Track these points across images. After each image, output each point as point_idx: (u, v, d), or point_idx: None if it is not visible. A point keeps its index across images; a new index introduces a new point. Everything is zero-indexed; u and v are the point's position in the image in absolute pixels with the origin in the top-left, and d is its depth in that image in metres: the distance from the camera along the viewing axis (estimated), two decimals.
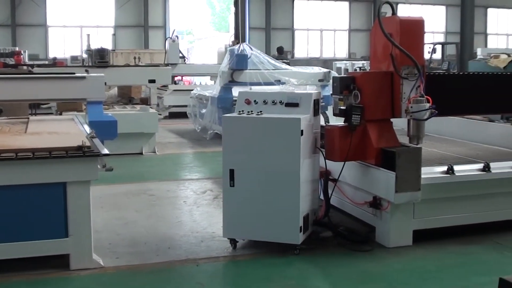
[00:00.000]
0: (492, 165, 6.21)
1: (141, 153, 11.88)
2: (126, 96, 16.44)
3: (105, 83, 8.47)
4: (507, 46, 37.67)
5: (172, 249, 5.93)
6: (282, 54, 17.47)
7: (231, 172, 5.69)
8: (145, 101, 14.60)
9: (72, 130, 6.46)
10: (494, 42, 41.81)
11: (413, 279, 5.24)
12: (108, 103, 13.54)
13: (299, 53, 38.00)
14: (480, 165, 6.23)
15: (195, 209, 7.53)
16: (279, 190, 5.61)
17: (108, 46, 17.93)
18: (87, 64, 14.45)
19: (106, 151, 5.20)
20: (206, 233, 6.45)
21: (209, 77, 22.53)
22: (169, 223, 6.93)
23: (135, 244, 6.09)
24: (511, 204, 6.43)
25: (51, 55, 30.64)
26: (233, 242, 5.90)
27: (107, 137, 6.66)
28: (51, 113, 13.68)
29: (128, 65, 15.46)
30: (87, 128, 6.47)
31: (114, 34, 30.21)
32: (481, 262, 5.65)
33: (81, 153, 5.10)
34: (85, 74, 7.75)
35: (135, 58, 16.67)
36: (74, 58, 21.15)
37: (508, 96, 6.71)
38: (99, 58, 13.87)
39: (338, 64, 27.92)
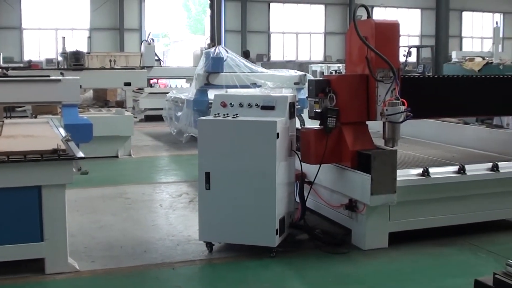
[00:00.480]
0: (467, 167, 6.26)
1: (117, 156, 11.82)
2: (101, 99, 16.31)
3: (80, 86, 8.40)
4: (482, 49, 37.92)
5: (148, 252, 5.90)
6: (249, 58, 17.50)
7: (207, 175, 5.68)
8: (121, 104, 14.48)
9: (47, 133, 6.41)
10: (469, 45, 42.16)
11: (389, 281, 5.26)
12: (84, 106, 13.42)
13: (275, 56, 38.04)
14: (455, 168, 6.28)
15: (171, 213, 7.51)
16: (255, 193, 5.61)
17: (84, 49, 17.71)
18: (62, 67, 14.37)
19: (81, 154, 5.17)
20: (182, 236, 6.43)
21: (184, 80, 22.47)
22: (145, 226, 6.90)
23: (110, 247, 6.06)
24: (486, 206, 6.49)
25: (26, 57, 30.38)
26: (209, 245, 5.88)
27: (82, 140, 6.61)
28: (26, 116, 13.53)
29: (104, 68, 15.40)
30: (62, 131, 6.42)
31: (89, 37, 29.97)
32: (457, 263, 5.69)
33: (56, 156, 5.06)
34: (60, 77, 7.69)
35: (110, 61, 16.57)
36: (49, 61, 21.00)
37: (483, 99, 6.77)
38: (74, 61, 13.77)
39: (314, 67, 28.02)
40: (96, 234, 6.52)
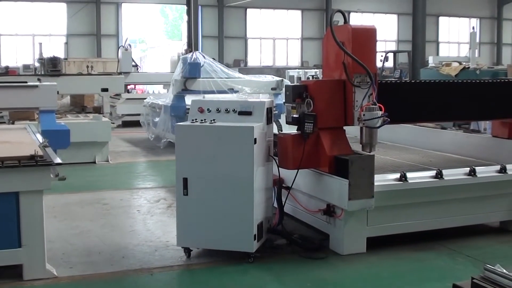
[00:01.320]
0: (444, 172, 6.30)
1: (94, 162, 11.76)
2: (78, 105, 16.22)
3: (58, 92, 8.39)
4: (459, 54, 38.29)
5: (126, 258, 5.88)
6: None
7: (185, 180, 5.67)
8: (98, 110, 14.44)
9: (24, 139, 6.36)
10: (446, 50, 42.52)
11: (367, 286, 5.29)
12: (61, 112, 13.35)
13: (252, 61, 38.08)
14: (433, 172, 6.32)
15: (149, 218, 7.48)
16: (232, 198, 5.61)
17: (61, 54, 17.63)
18: (39, 73, 14.27)
19: (58, 160, 5.14)
20: (160, 242, 6.40)
21: (162, 86, 22.43)
22: (123, 232, 6.87)
23: (89, 253, 6.02)
24: (463, 210, 6.53)
25: (3, 63, 30.06)
26: (187, 251, 5.87)
27: (59, 146, 6.59)
28: (3, 122, 13.43)
29: (81, 74, 15.35)
30: (40, 137, 6.37)
31: (66, 43, 29.81)
32: (435, 268, 5.72)
33: (34, 162, 5.03)
34: (37, 83, 7.68)
35: (87, 66, 16.51)
36: (26, 67, 20.80)
37: (460, 104, 6.82)
38: (52, 67, 13.72)
39: (291, 72, 28.06)
40: (74, 240, 6.47)
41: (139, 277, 5.43)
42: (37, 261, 5.21)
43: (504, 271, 3.55)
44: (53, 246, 6.06)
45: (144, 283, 5.34)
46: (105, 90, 13.62)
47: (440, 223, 6.46)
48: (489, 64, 33.78)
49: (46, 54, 15.00)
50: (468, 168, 6.46)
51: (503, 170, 6.56)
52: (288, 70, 29.48)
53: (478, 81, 7.25)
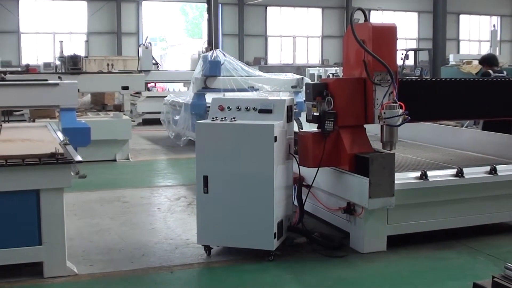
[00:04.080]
0: (465, 170, 6.26)
1: (115, 160, 11.82)
2: (99, 103, 16.37)
3: (78, 90, 8.42)
4: (479, 52, 38.03)
5: (146, 256, 5.90)
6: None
7: (205, 178, 5.68)
8: (119, 108, 14.55)
9: (45, 137, 6.40)
10: (466, 48, 42.29)
11: (387, 284, 5.26)
12: (81, 110, 13.46)
13: (272, 59, 38.10)
14: (453, 171, 6.28)
15: (169, 216, 7.50)
16: (253, 196, 5.61)
17: (81, 52, 17.76)
18: (60, 71, 14.37)
19: (79, 158, 5.17)
20: (180, 240, 6.43)
21: (182, 84, 22.49)
22: (143, 230, 6.90)
23: (109, 251, 6.05)
24: (484, 209, 6.49)
25: (24, 61, 30.38)
26: (207, 249, 5.88)
27: (80, 144, 6.62)
28: (24, 120, 13.55)
29: (101, 72, 15.41)
30: (60, 135, 6.42)
31: (87, 41, 29.96)
32: (455, 267, 5.69)
33: (54, 160, 5.06)
34: (58, 81, 7.70)
35: (108, 64, 16.58)
36: (47, 65, 20.97)
37: (481, 102, 6.77)
38: (72, 65, 13.81)
39: (311, 70, 28.02)
40: (94, 238, 6.51)
41: (159, 275, 5.45)
42: (58, 259, 5.24)
43: None
44: (74, 244, 6.10)
45: (164, 281, 5.35)
46: (125, 88, 13.66)
47: (460, 222, 6.42)
48: (510, 62, 33.51)
49: (67, 52, 15.12)
50: (489, 167, 6.41)
51: None
52: (309, 68, 29.44)
53: (498, 79, 7.18)
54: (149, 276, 5.43)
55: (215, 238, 5.83)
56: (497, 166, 6.42)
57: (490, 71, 10.51)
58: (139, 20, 35.43)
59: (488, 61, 11.05)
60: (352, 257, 5.87)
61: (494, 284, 3.55)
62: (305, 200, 6.34)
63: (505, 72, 11.81)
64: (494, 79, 7.32)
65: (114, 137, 11.78)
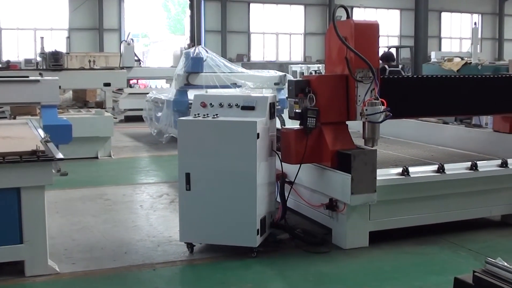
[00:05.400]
0: (446, 166, 6.31)
1: (97, 157, 11.76)
2: (81, 100, 16.22)
3: (60, 87, 8.37)
4: (461, 50, 38.23)
5: (129, 254, 5.88)
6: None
7: (187, 175, 5.67)
8: (100, 105, 14.42)
9: (26, 135, 6.35)
10: (448, 46, 42.48)
11: (370, 280, 5.29)
12: (63, 107, 13.35)
13: (255, 56, 38.05)
14: (435, 167, 6.32)
15: (151, 213, 7.49)
16: (235, 193, 5.61)
17: (63, 49, 17.59)
18: (41, 68, 14.24)
19: (60, 155, 5.13)
20: (163, 237, 6.41)
21: (164, 80, 22.40)
22: (125, 227, 6.87)
23: (91, 249, 6.03)
24: (465, 204, 6.55)
25: (4, 58, 30.07)
26: (190, 246, 5.88)
27: (61, 141, 6.58)
28: (5, 117, 13.43)
29: (83, 68, 15.33)
30: (42, 133, 6.38)
31: (68, 37, 29.74)
32: (437, 262, 5.73)
33: (35, 157, 5.02)
34: (39, 78, 7.66)
35: (90, 61, 16.49)
36: (28, 61, 20.78)
37: (462, 98, 6.81)
38: (53, 61, 13.69)
39: (294, 67, 28.04)
40: (76, 236, 6.48)
41: (141, 273, 5.43)
42: (39, 257, 5.21)
43: (506, 264, 3.55)
44: (55, 242, 6.07)
45: (147, 278, 5.34)
46: (107, 84, 13.60)
47: (442, 217, 6.48)
48: (491, 59, 33.75)
49: (48, 49, 14.97)
50: (470, 163, 6.46)
51: (504, 164, 6.57)
52: (291, 65, 29.46)
53: (479, 76, 7.24)
54: (131, 274, 5.41)
55: (198, 235, 5.83)
56: (478, 162, 6.47)
57: (386, 66, 12.07)
58: (121, 16, 35.21)
59: (385, 58, 12.66)
60: (335, 253, 5.89)
61: (475, 278, 3.57)
62: (288, 197, 6.35)
63: (400, 67, 14.43)
64: (475, 76, 7.35)
65: (96, 134, 11.70)
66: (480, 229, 6.70)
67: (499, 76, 7.39)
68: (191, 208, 5.73)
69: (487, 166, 6.56)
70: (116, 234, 6.57)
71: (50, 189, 5.40)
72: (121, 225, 6.98)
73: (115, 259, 5.73)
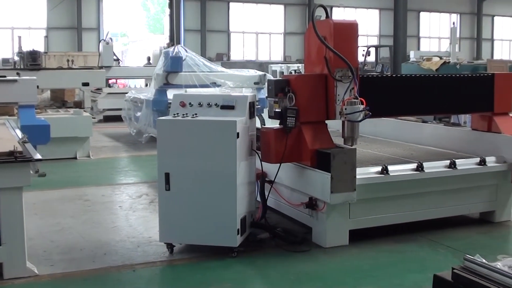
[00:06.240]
0: (425, 164, 6.35)
1: (75, 158, 11.69)
2: (59, 100, 16.11)
3: (38, 87, 8.31)
4: (439, 49, 38.50)
5: (108, 255, 5.85)
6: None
7: (167, 175, 5.64)
8: (79, 105, 14.33)
9: (3, 135, 6.29)
10: (427, 45, 42.81)
11: (349, 278, 5.31)
12: (41, 107, 13.24)
13: (235, 55, 38.04)
14: (414, 165, 6.36)
15: (131, 214, 7.45)
16: (215, 193, 5.60)
17: (40, 48, 17.43)
18: (18, 67, 14.11)
19: (38, 156, 5.08)
20: (143, 238, 6.39)
21: (143, 80, 22.33)
22: (104, 228, 6.83)
23: (70, 251, 5.99)
24: (444, 202, 6.62)
25: None
26: (170, 246, 5.85)
27: (39, 141, 6.52)
28: None
29: (61, 68, 15.21)
30: (19, 133, 6.32)
31: (46, 36, 29.52)
32: (416, 259, 5.77)
33: (13, 158, 4.97)
34: (16, 77, 7.60)
35: (68, 60, 16.36)
36: (5, 61, 20.60)
37: (441, 97, 6.86)
38: (31, 61, 13.59)
39: (274, 67, 28.10)
40: (55, 237, 6.43)
41: (121, 274, 5.41)
42: (18, 259, 5.16)
43: (484, 261, 3.57)
44: (34, 244, 6.02)
45: (127, 279, 5.31)
46: (86, 84, 13.52)
47: (421, 215, 6.53)
48: (469, 58, 34.06)
49: (26, 48, 14.86)
50: (449, 161, 6.52)
51: (482, 162, 6.64)
52: (271, 65, 29.51)
53: (458, 75, 7.29)
54: (111, 275, 5.38)
55: (178, 236, 5.81)
56: (457, 161, 6.53)
57: None
58: (99, 15, 35.01)
59: None
60: (315, 251, 5.91)
61: (454, 275, 3.59)
62: (268, 196, 6.36)
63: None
64: (454, 75, 7.39)
65: (74, 135, 11.63)
66: (459, 227, 6.75)
67: (477, 75, 7.44)
68: (171, 208, 5.71)
69: (465, 164, 6.61)
70: (95, 235, 6.53)
71: (28, 190, 5.35)
72: (101, 226, 6.94)
73: (94, 260, 5.69)
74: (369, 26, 40.22)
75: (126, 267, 5.52)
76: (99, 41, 20.85)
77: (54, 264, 5.58)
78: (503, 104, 7.08)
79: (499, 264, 3.57)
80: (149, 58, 24.51)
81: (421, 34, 43.10)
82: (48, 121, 7.45)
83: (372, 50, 27.22)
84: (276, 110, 6.04)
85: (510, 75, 7.44)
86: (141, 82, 24.52)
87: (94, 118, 13.51)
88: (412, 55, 26.64)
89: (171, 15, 25.01)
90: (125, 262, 5.64)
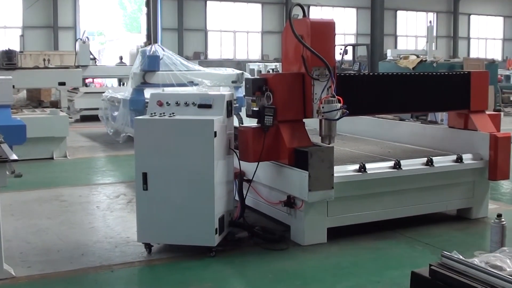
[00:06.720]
0: (402, 162, 6.39)
1: (52, 158, 11.60)
2: (35, 99, 15.99)
3: (13, 86, 8.23)
4: (416, 48, 38.83)
5: (86, 256, 5.81)
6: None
7: (144, 175, 5.62)
8: (55, 104, 14.23)
9: None
10: (404, 44, 43.11)
11: (328, 275, 5.32)
12: (17, 107, 13.12)
13: (212, 54, 38.00)
14: (391, 163, 6.39)
15: (108, 214, 7.41)
16: (193, 192, 5.58)
17: (16, 47, 17.34)
18: None
19: (14, 156, 5.03)
20: (120, 238, 6.35)
21: (116, 79, 22.25)
22: (82, 229, 6.79)
23: (47, 252, 5.94)
24: (421, 199, 6.66)
25: None
26: (148, 246, 5.83)
27: (15, 142, 6.47)
28: None
29: (37, 67, 15.07)
30: None
31: (22, 35, 29.34)
32: (394, 256, 5.81)
33: None
34: None
35: (44, 60, 16.24)
36: None
37: (418, 95, 6.90)
38: (7, 60, 13.44)
39: (251, 65, 28.09)
40: (32, 239, 6.37)
41: (99, 274, 5.37)
42: None
43: (461, 257, 3.62)
44: (11, 245, 5.96)
45: (105, 280, 5.28)
46: (62, 84, 13.42)
47: (399, 212, 6.56)
48: (446, 57, 34.33)
49: (1, 47, 14.72)
50: (426, 158, 6.57)
51: (459, 159, 6.69)
52: (249, 63, 29.50)
53: (434, 73, 7.33)
54: (89, 276, 5.34)
55: (156, 236, 5.78)
56: (434, 158, 6.58)
57: None
58: (76, 14, 34.78)
59: None
60: (293, 249, 5.92)
61: (431, 271, 3.63)
62: (246, 195, 6.36)
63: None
64: (430, 73, 7.44)
65: (51, 135, 11.54)
66: (437, 224, 6.80)
67: (454, 73, 7.49)
68: (149, 208, 5.69)
69: (442, 161, 6.66)
70: (72, 236, 6.48)
71: (4, 191, 5.31)
72: (78, 226, 6.89)
73: (72, 262, 5.65)
74: (347, 25, 40.37)
75: (104, 268, 5.49)
76: (76, 40, 20.68)
77: (31, 266, 5.52)
78: (479, 101, 7.14)
79: (476, 260, 3.62)
80: (121, 58, 24.45)
81: (398, 33, 43.37)
82: (24, 121, 7.41)
83: (350, 48, 27.39)
84: (254, 108, 6.04)
85: (486, 73, 7.49)
86: (114, 82, 24.39)
87: (70, 118, 13.47)
88: (389, 53, 26.84)
89: (148, 14, 24.96)
90: (103, 263, 5.60)
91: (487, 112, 7.26)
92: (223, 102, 5.86)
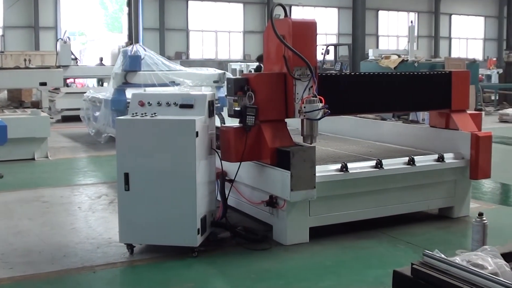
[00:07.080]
0: (384, 161, 6.41)
1: (33, 159, 11.51)
2: (16, 100, 15.93)
3: None
4: (397, 47, 38.98)
5: (68, 257, 5.78)
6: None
7: (126, 176, 5.60)
8: (36, 105, 14.19)
9: None
10: (385, 44, 43.29)
11: (311, 275, 5.33)
12: None
13: (194, 54, 37.92)
14: (373, 162, 6.42)
15: (90, 215, 7.37)
16: (175, 192, 5.57)
17: None
18: None
19: None
20: (102, 239, 6.33)
21: (95, 80, 22.17)
22: (63, 230, 6.75)
23: (29, 253, 5.90)
24: (403, 199, 6.69)
25: None
26: (130, 247, 5.81)
27: None
28: None
29: (18, 68, 14.98)
30: None
31: (2, 35, 29.12)
32: (376, 255, 5.82)
33: None
34: None
35: (25, 60, 16.16)
36: None
37: (399, 95, 6.93)
38: None
39: (233, 65, 28.08)
40: (13, 240, 6.33)
41: (81, 276, 5.35)
42: None
43: (443, 256, 3.63)
44: None
45: (87, 281, 5.26)
46: (43, 84, 13.33)
47: (381, 212, 6.59)
48: (427, 56, 34.50)
49: None
50: (407, 158, 6.60)
51: (440, 159, 6.73)
52: (231, 63, 29.48)
53: (416, 73, 7.37)
54: (71, 277, 5.32)
55: (138, 236, 5.76)
56: (415, 157, 6.61)
57: (261, 65, 11.98)
58: (57, 13, 34.57)
59: (261, 58, 12.81)
60: (276, 249, 5.92)
61: (413, 271, 3.64)
62: (228, 195, 6.35)
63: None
64: (412, 73, 7.48)
65: (32, 135, 11.46)
66: (418, 223, 6.84)
67: (435, 73, 7.53)
68: (131, 208, 5.67)
69: (424, 161, 6.70)
70: (54, 237, 6.44)
71: None
72: (59, 227, 6.85)
73: (53, 263, 5.62)
74: (328, 25, 40.48)
75: (86, 269, 5.46)
76: (57, 40, 20.59)
77: (13, 267, 5.49)
78: (460, 101, 7.18)
79: (457, 259, 3.63)
80: (101, 59, 24.36)
81: (379, 33, 43.56)
82: (5, 121, 7.34)
83: (331, 48, 27.41)
84: (236, 108, 6.03)
85: (467, 73, 7.54)
86: (95, 82, 24.29)
87: (52, 118, 13.39)
88: (370, 53, 26.93)
89: (129, 14, 24.82)
90: (85, 264, 5.57)
91: (468, 112, 7.30)
92: (205, 102, 5.85)
